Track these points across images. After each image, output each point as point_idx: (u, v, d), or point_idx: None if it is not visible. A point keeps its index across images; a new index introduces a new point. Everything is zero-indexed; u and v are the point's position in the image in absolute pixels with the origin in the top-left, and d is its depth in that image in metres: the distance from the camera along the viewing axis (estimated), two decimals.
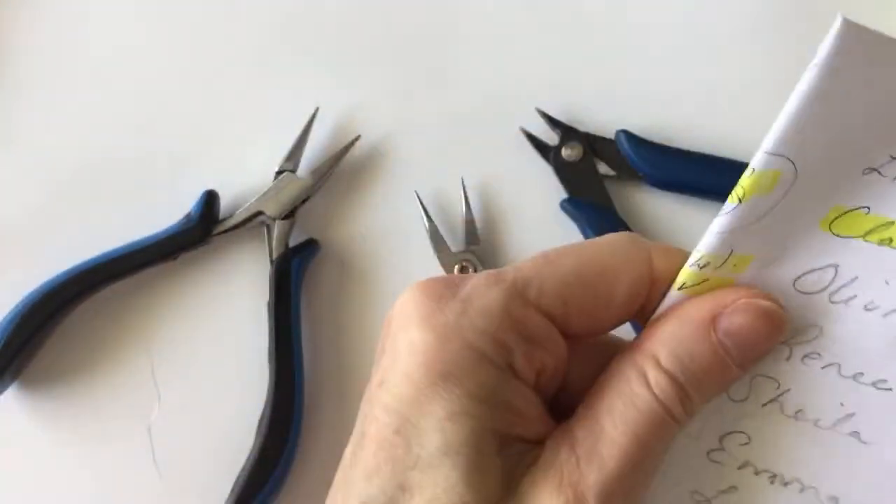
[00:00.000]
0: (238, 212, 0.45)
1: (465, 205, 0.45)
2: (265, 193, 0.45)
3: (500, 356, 0.26)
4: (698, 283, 0.27)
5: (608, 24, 0.48)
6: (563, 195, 0.45)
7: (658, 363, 0.27)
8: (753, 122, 0.46)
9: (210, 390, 0.45)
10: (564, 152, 0.45)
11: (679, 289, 0.27)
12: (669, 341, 0.27)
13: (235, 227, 0.45)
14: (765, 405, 0.28)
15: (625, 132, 0.45)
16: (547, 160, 0.46)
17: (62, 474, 0.45)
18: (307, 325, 0.45)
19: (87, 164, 0.47)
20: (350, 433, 0.44)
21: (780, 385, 0.28)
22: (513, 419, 0.26)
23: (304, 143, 0.46)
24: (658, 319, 0.28)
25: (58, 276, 0.44)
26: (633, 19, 0.48)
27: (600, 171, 0.45)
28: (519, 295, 0.27)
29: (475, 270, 0.44)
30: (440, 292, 0.27)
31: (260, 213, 0.45)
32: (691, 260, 0.27)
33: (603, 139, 0.45)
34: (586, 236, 0.44)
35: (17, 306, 0.43)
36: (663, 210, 0.45)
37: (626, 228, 0.44)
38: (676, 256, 0.28)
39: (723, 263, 0.27)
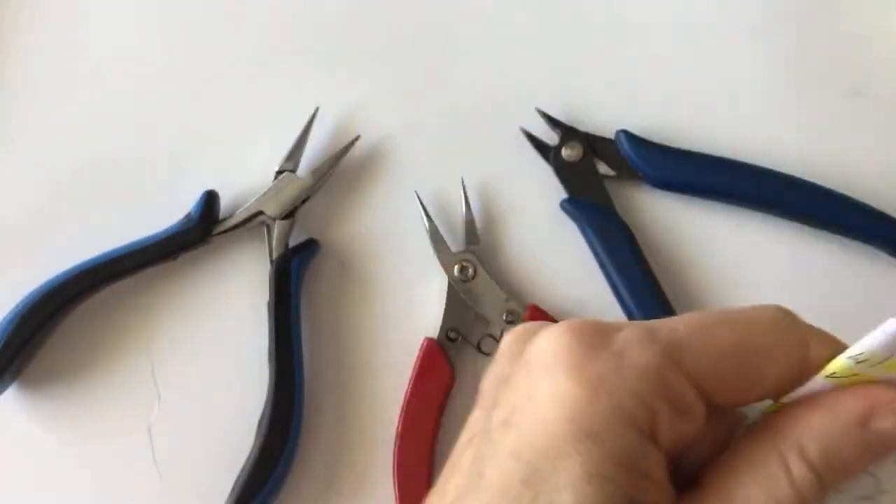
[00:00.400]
0: (238, 212, 0.45)
1: (465, 205, 0.45)
2: (265, 193, 0.45)
3: (646, 421, 0.25)
4: (848, 376, 0.26)
5: (608, 24, 0.48)
6: (563, 195, 0.45)
7: (804, 455, 0.26)
8: (753, 122, 0.46)
9: (210, 390, 0.45)
10: (564, 152, 0.45)
11: (827, 377, 0.27)
12: (819, 434, 0.26)
13: (235, 227, 0.45)
14: (860, 500, 0.28)
15: (625, 132, 0.45)
16: (547, 160, 0.46)
17: (62, 474, 0.45)
18: (307, 325, 0.45)
19: (87, 164, 0.47)
20: (350, 434, 0.45)
21: (880, 483, 0.28)
22: (646, 486, 0.25)
23: (304, 143, 0.46)
24: (805, 406, 0.27)
25: (58, 276, 0.44)
26: (633, 19, 0.48)
27: (600, 171, 0.45)
28: (674, 360, 0.26)
29: (475, 271, 0.44)
30: (591, 340, 0.26)
31: (260, 213, 0.45)
32: (850, 352, 0.26)
33: (603, 139, 0.45)
34: (586, 236, 0.44)
35: (17, 306, 0.43)
36: (663, 210, 0.45)
37: (627, 228, 0.44)
38: (833, 344, 0.27)
39: (879, 363, 0.26)
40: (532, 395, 0.26)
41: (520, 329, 0.28)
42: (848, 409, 0.26)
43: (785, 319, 0.28)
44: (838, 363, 0.26)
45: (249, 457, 0.42)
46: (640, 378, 0.25)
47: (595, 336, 0.26)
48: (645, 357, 0.25)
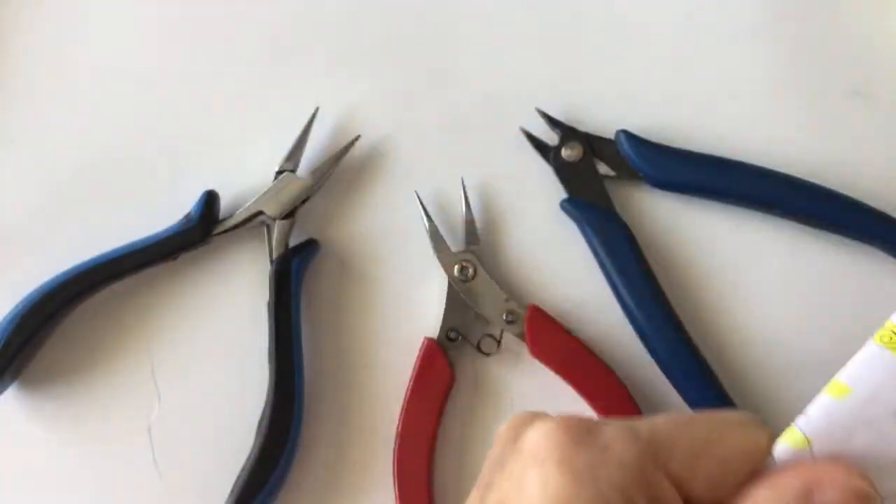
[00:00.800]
0: (238, 212, 0.45)
1: (465, 205, 0.45)
2: (265, 193, 0.45)
3: None
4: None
5: (608, 24, 0.48)
6: (563, 195, 0.45)
7: None
8: (753, 122, 0.46)
9: (210, 390, 0.45)
10: (564, 152, 0.45)
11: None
12: None
13: (235, 227, 0.45)
14: None
15: (625, 132, 0.45)
16: (547, 160, 0.46)
17: (62, 474, 0.45)
18: (307, 325, 0.45)
19: (87, 164, 0.47)
20: (350, 434, 0.45)
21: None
22: None
23: (304, 143, 0.46)
24: (753, 487, 0.28)
25: (58, 276, 0.44)
26: (633, 19, 0.48)
27: (600, 171, 0.45)
28: (653, 455, 0.28)
29: (475, 271, 0.44)
30: (579, 435, 0.28)
31: (260, 213, 0.45)
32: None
33: (603, 139, 0.45)
34: (586, 236, 0.44)
35: (17, 306, 0.43)
36: (663, 210, 0.45)
37: (626, 228, 0.44)
38: None
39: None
40: (523, 483, 0.28)
41: (516, 417, 0.30)
42: (790, 485, 0.28)
43: (751, 422, 0.30)
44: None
45: (249, 457, 0.42)
46: (622, 471, 0.27)
47: (583, 431, 0.28)
48: (628, 452, 0.27)
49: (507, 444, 0.29)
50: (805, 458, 0.29)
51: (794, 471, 0.28)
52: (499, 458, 0.29)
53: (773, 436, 0.30)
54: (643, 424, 0.29)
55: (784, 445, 0.29)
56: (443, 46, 0.48)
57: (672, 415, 0.30)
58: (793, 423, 0.29)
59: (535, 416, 0.30)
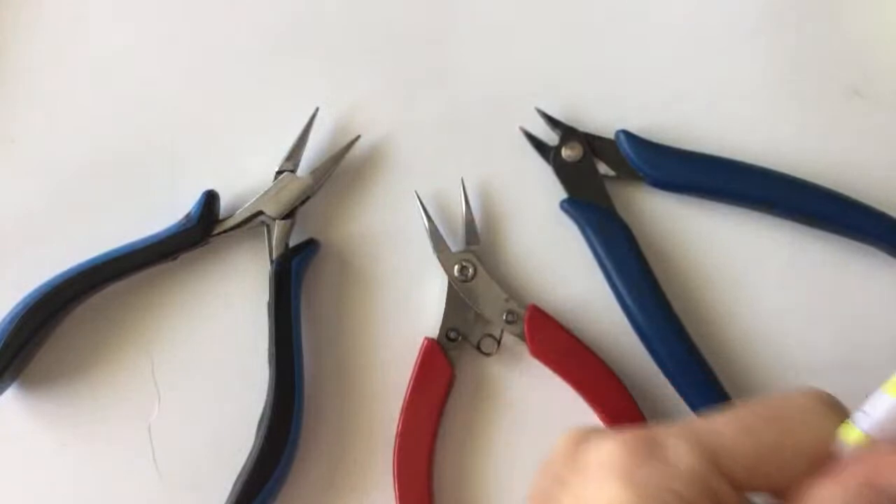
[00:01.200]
0: (238, 212, 0.45)
1: (465, 205, 0.45)
2: (265, 193, 0.45)
3: None
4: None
5: (608, 23, 0.48)
6: (563, 195, 0.45)
7: None
8: (753, 122, 0.46)
9: (210, 390, 0.45)
10: (564, 152, 0.45)
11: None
12: None
13: (235, 227, 0.45)
14: None
15: (625, 132, 0.45)
16: (547, 160, 0.46)
17: (62, 474, 0.45)
18: (307, 325, 0.45)
19: (87, 165, 0.47)
20: (350, 434, 0.45)
21: None
22: None
23: (304, 143, 0.46)
24: (814, 482, 0.28)
25: (58, 276, 0.44)
26: (633, 19, 0.48)
27: (600, 171, 0.45)
28: (717, 464, 0.28)
29: (475, 270, 0.44)
30: (641, 449, 0.28)
31: (260, 213, 0.45)
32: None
33: (603, 139, 0.45)
34: (586, 236, 0.44)
35: (16, 306, 0.43)
36: (663, 210, 0.45)
37: (627, 228, 0.44)
38: None
39: None
40: (586, 501, 0.28)
41: (574, 433, 0.31)
42: (853, 475, 0.28)
43: (823, 409, 0.30)
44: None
45: (249, 457, 0.42)
46: (686, 484, 0.27)
47: (644, 445, 0.28)
48: (691, 464, 0.28)
49: (566, 461, 0.30)
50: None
51: (857, 461, 0.28)
52: (559, 474, 0.30)
53: (842, 418, 0.29)
54: (706, 432, 0.29)
55: (844, 444, 0.29)
56: (443, 46, 0.48)
57: (737, 414, 0.30)
58: (850, 421, 0.29)
59: (594, 433, 0.30)
